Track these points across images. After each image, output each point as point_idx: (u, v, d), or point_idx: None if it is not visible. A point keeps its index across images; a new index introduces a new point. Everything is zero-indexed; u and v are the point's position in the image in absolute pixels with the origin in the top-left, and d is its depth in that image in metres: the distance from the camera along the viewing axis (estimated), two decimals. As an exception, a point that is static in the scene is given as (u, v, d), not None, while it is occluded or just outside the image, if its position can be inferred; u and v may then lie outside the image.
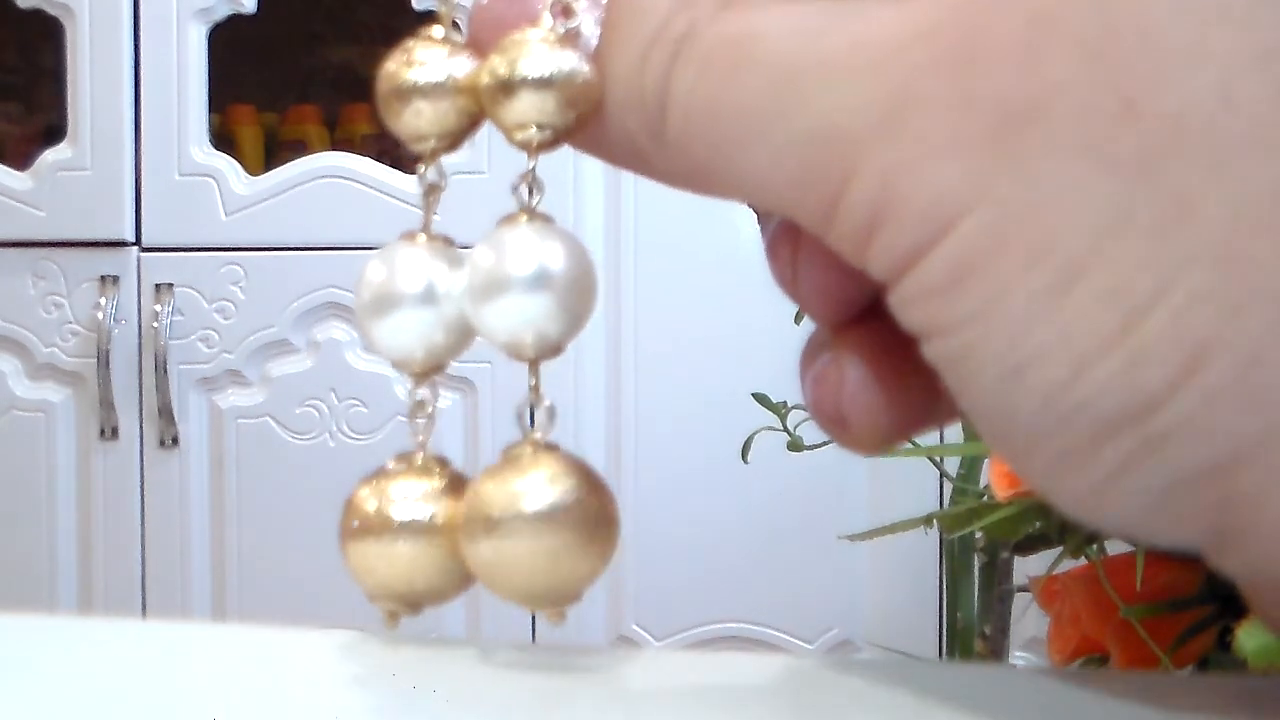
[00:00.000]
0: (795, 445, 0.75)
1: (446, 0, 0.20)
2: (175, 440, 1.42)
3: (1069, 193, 0.15)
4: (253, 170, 1.46)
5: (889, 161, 0.16)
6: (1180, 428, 0.15)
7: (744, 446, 0.79)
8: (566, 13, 0.18)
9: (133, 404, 1.43)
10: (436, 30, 0.19)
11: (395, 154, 1.51)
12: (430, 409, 0.21)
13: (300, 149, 1.54)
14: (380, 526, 0.20)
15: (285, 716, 0.19)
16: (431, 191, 0.21)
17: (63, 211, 1.42)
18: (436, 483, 0.20)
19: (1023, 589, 0.59)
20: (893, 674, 0.20)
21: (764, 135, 0.17)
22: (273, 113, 1.68)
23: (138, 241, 1.43)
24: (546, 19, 0.18)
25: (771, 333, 1.41)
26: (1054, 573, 0.40)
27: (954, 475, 0.65)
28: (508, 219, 0.19)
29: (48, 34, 1.47)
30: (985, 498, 0.41)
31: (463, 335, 0.20)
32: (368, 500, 0.20)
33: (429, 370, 0.20)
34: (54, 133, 1.47)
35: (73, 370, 1.43)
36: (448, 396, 1.42)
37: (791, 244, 0.19)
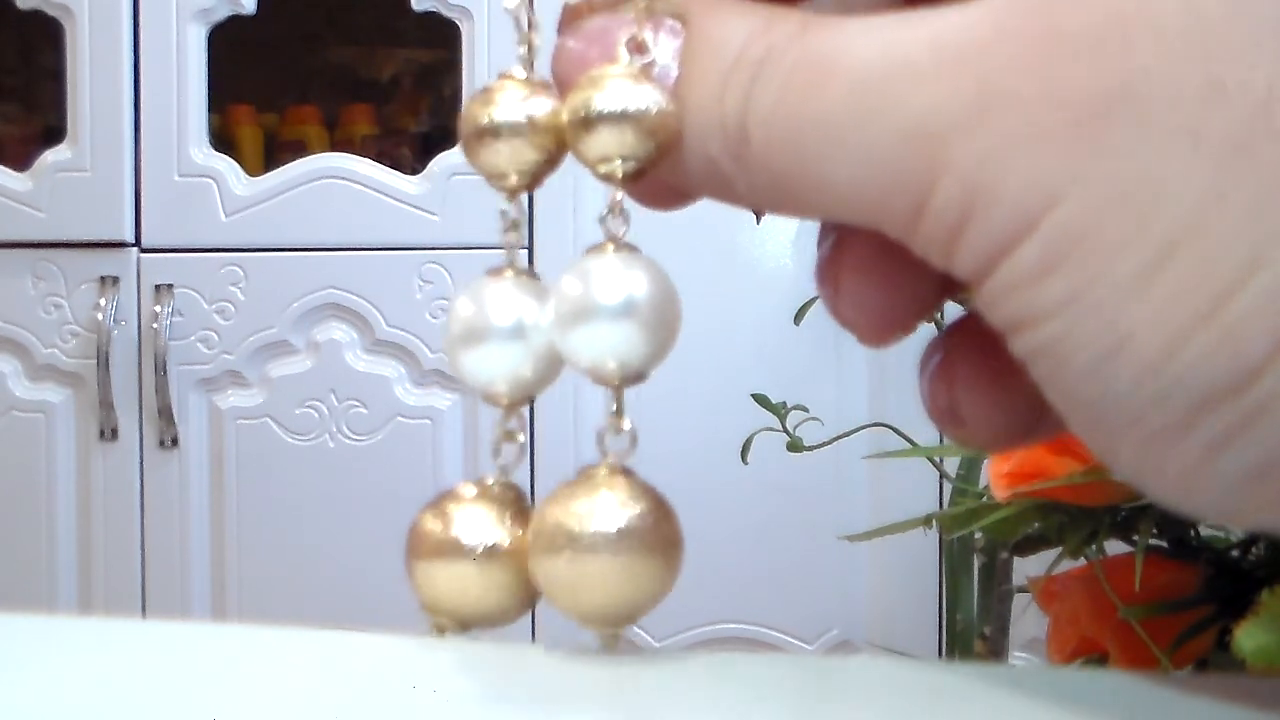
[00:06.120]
0: (795, 445, 0.75)
1: (525, 41, 0.20)
2: (175, 441, 1.42)
3: (1160, 176, 0.15)
4: (252, 171, 1.46)
5: (977, 156, 0.16)
6: (1275, 401, 0.15)
7: (744, 447, 0.79)
8: (640, 48, 0.19)
9: (132, 405, 1.43)
10: (516, 70, 0.20)
11: (395, 155, 1.51)
12: (521, 439, 0.21)
13: (300, 149, 1.54)
14: (449, 550, 0.20)
15: (285, 716, 0.19)
16: (513, 227, 0.21)
17: (62, 212, 1.42)
18: (507, 509, 0.20)
19: (1022, 589, 0.59)
20: (893, 674, 0.20)
21: (848, 142, 0.17)
22: (272, 113, 1.68)
23: (137, 242, 1.43)
24: (624, 55, 0.19)
25: (771, 333, 1.41)
26: (1053, 573, 0.40)
27: (954, 475, 0.65)
28: (595, 248, 0.19)
29: (48, 34, 1.47)
30: (985, 498, 0.41)
31: (551, 366, 0.20)
32: (434, 523, 0.20)
33: (517, 402, 0.21)
34: (54, 133, 1.47)
35: (72, 371, 1.43)
36: (447, 397, 1.42)
37: (835, 272, 0.20)
